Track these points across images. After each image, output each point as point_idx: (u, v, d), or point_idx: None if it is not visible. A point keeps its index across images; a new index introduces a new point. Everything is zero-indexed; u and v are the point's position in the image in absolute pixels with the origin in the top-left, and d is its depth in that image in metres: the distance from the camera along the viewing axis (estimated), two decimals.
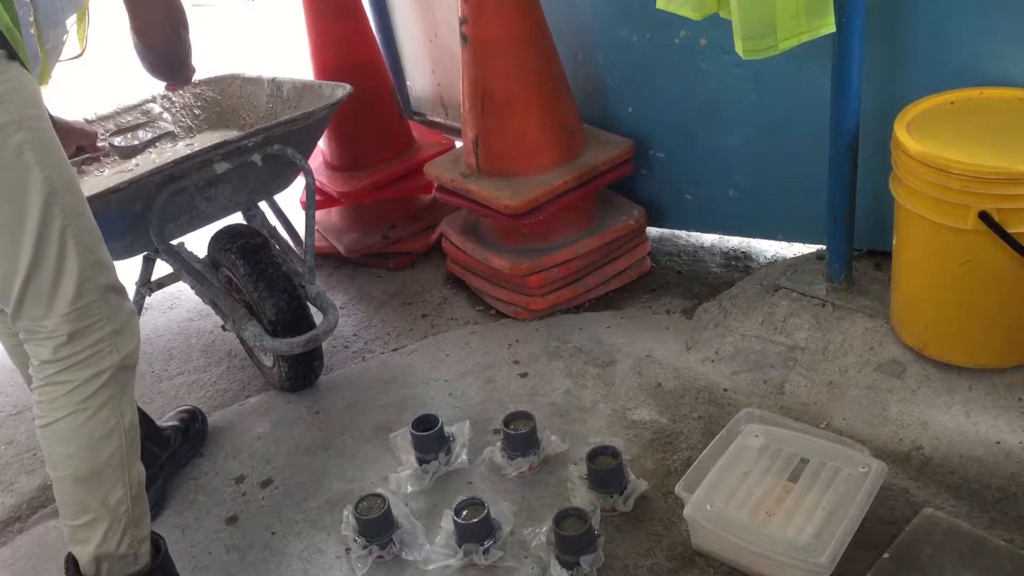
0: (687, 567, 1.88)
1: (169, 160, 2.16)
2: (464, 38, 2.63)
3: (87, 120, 2.68)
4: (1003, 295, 2.03)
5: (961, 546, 1.80)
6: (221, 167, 2.23)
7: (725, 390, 2.37)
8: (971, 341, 2.13)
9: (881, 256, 2.55)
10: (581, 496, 2.05)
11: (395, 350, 2.78)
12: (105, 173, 2.95)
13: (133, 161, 2.79)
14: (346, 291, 3.17)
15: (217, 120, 2.85)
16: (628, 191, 2.96)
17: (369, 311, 3.03)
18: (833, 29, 2.08)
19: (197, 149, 2.21)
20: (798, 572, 1.74)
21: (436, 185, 2.93)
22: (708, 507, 1.83)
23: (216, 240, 2.48)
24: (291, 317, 2.38)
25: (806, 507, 1.82)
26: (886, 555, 1.81)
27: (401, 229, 3.21)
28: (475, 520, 1.93)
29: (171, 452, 2.31)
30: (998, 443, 2.03)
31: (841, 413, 2.21)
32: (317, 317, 2.42)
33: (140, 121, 2.70)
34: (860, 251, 2.56)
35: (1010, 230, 1.90)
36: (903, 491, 1.97)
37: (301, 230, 2.53)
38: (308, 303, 2.43)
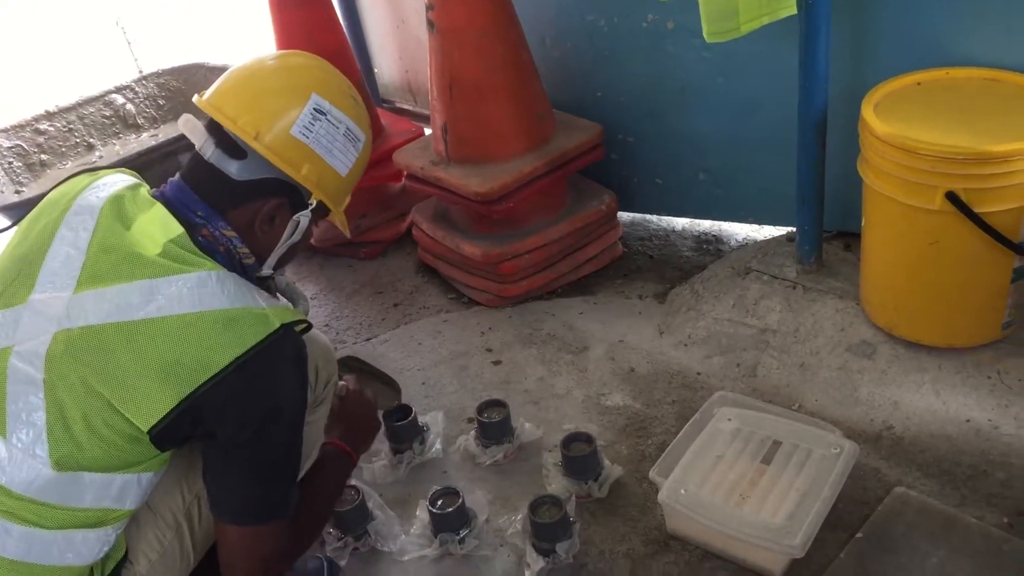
0: (662, 551, 1.89)
1: (133, 152, 2.13)
2: (431, 24, 2.60)
3: (48, 112, 2.63)
4: (971, 275, 2.05)
5: (933, 524, 1.82)
6: (185, 159, 2.19)
7: (698, 374, 2.37)
8: (940, 321, 2.14)
9: (851, 237, 2.57)
10: (556, 483, 2.04)
11: (367, 340, 2.76)
12: (68, 166, 2.91)
13: (96, 153, 2.75)
14: (316, 281, 3.15)
15: (182, 110, 2.81)
16: (599, 176, 2.95)
17: (340, 301, 3.01)
18: (794, 11, 2.08)
19: (161, 140, 2.18)
20: (772, 554, 1.75)
21: (405, 173, 2.91)
22: (682, 491, 1.83)
23: None
24: None
25: (779, 489, 1.83)
26: (859, 535, 1.82)
27: (371, 218, 3.18)
28: (450, 509, 1.93)
29: None
30: (968, 421, 2.05)
31: (813, 395, 2.22)
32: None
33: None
34: (830, 233, 2.57)
35: (977, 210, 1.92)
36: (875, 471, 1.98)
37: None
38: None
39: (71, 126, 2.92)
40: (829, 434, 1.92)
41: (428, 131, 3.02)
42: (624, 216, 3.09)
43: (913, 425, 2.08)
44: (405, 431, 2.19)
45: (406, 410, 2.21)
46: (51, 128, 2.97)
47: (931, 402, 2.11)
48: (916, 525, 1.83)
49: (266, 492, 1.48)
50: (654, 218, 3.14)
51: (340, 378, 1.91)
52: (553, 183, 2.73)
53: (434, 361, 2.59)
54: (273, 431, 1.44)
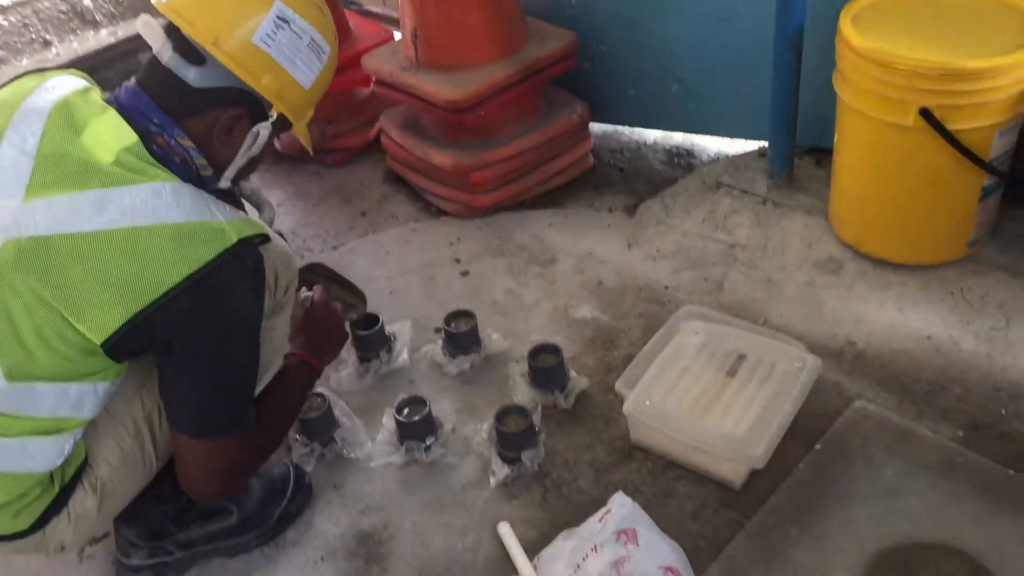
0: (626, 461, 1.92)
1: (91, 49, 2.05)
2: None
3: (1, 6, 2.52)
4: (940, 192, 2.05)
5: (889, 437, 1.86)
6: (145, 57, 2.12)
7: (666, 288, 2.38)
8: (907, 238, 2.16)
9: (822, 153, 2.56)
10: (522, 393, 2.06)
11: (334, 248, 2.73)
12: (24, 63, 2.81)
13: (53, 50, 2.66)
14: (283, 188, 3.09)
15: (141, 7, 2.71)
16: (571, 86, 2.90)
17: (307, 209, 2.97)
18: None
19: (120, 39, 2.10)
20: (734, 464, 1.79)
21: (374, 78, 2.84)
22: (647, 403, 1.85)
23: None
24: None
25: (743, 402, 1.85)
26: (818, 446, 1.86)
27: (339, 124, 3.11)
28: (416, 418, 1.94)
29: None
30: (929, 338, 2.08)
31: (778, 310, 2.24)
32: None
33: None
34: (802, 148, 2.56)
35: (950, 127, 1.91)
36: (836, 385, 2.01)
37: None
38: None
39: (26, 20, 2.79)
40: (793, 349, 1.94)
41: (398, 35, 2.94)
42: (596, 128, 3.05)
43: (876, 341, 2.11)
44: (372, 340, 2.18)
45: (373, 319, 2.20)
46: (5, 23, 2.85)
47: (894, 318, 2.13)
48: (873, 437, 1.87)
49: (222, 405, 1.47)
50: (626, 130, 3.11)
51: (306, 286, 1.88)
52: (525, 92, 2.68)
53: (402, 271, 2.58)
54: (228, 345, 1.42)
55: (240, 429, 1.49)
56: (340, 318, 1.89)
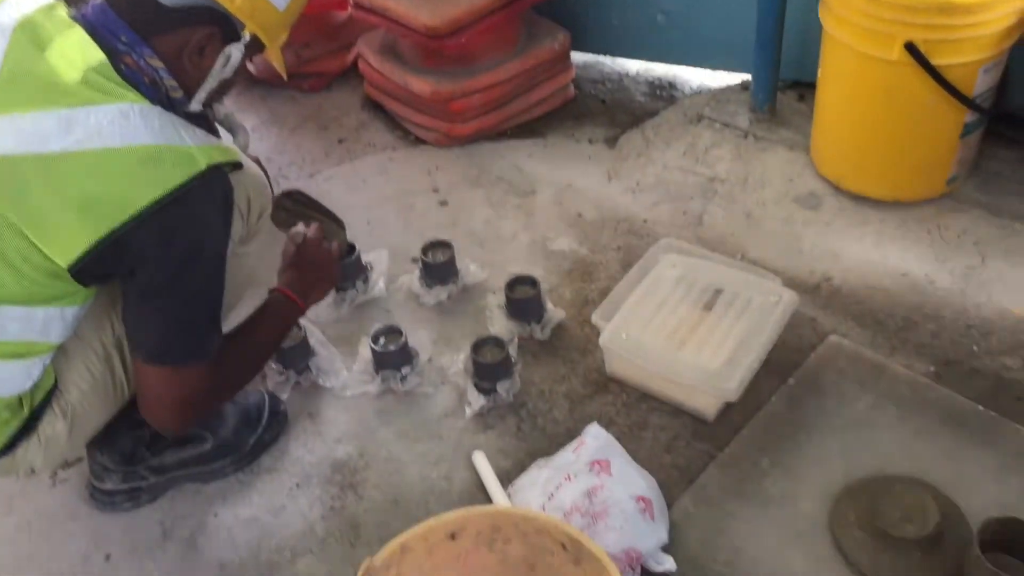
0: (601, 392, 1.93)
1: None
2: None
3: None
4: (922, 128, 2.04)
5: (862, 372, 1.88)
6: None
7: (645, 221, 2.37)
8: (887, 174, 2.15)
9: (805, 87, 2.53)
10: (499, 324, 2.06)
11: (311, 176, 2.69)
12: None
13: None
14: (257, 113, 3.03)
15: None
16: (553, 14, 2.84)
17: (282, 135, 2.92)
18: None
19: None
20: (708, 397, 1.80)
21: (352, 1, 2.77)
22: (623, 335, 1.85)
23: None
24: None
25: (718, 336, 1.86)
26: (791, 380, 1.88)
27: (315, 48, 3.04)
28: (392, 348, 1.93)
29: None
30: (905, 275, 2.09)
31: (757, 244, 2.24)
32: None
33: None
34: (785, 82, 2.54)
35: (934, 62, 1.89)
36: (811, 320, 2.02)
37: None
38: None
39: None
40: (770, 283, 1.94)
41: None
42: (577, 58, 3.00)
43: (852, 276, 2.11)
44: (348, 269, 2.16)
45: (350, 248, 2.17)
46: None
47: (871, 255, 2.14)
48: (846, 372, 1.88)
49: (183, 332, 1.44)
50: (608, 60, 3.06)
51: (291, 216, 1.83)
52: (507, 19, 2.62)
53: (379, 199, 2.55)
54: (192, 273, 1.40)
55: (201, 358, 1.47)
56: (334, 257, 1.84)
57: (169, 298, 1.40)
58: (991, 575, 1.42)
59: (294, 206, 1.83)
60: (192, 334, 1.45)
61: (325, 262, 1.81)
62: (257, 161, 1.93)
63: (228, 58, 1.46)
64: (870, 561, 1.53)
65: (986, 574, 1.42)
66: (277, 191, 1.89)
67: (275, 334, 1.70)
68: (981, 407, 1.77)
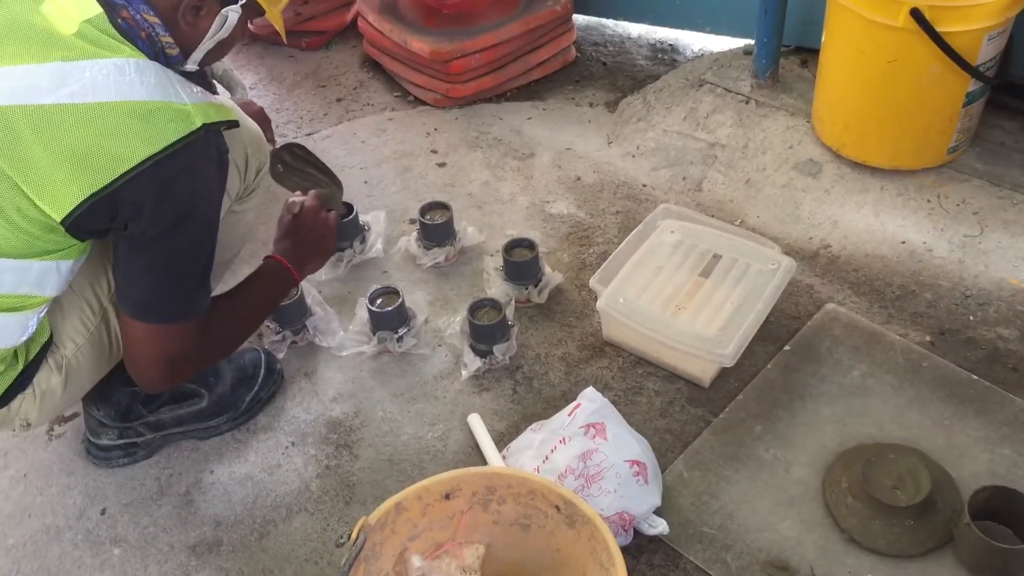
0: (597, 356, 1.93)
1: None
2: None
3: None
4: (924, 96, 2.02)
5: (858, 340, 1.88)
6: None
7: (644, 185, 2.36)
8: (888, 142, 2.14)
9: (808, 53, 2.51)
10: (496, 287, 2.05)
11: (308, 135, 2.67)
12: None
13: None
14: (256, 71, 3.01)
15: None
16: None
17: (280, 93, 2.89)
18: None
19: None
20: (703, 362, 1.80)
21: None
22: (621, 300, 1.85)
23: None
24: None
25: (715, 302, 1.86)
26: (787, 347, 1.88)
27: (314, 5, 3.01)
28: (389, 308, 1.93)
29: None
30: (903, 243, 2.08)
31: (756, 211, 2.23)
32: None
33: None
34: (788, 48, 2.51)
35: (940, 29, 1.87)
36: (808, 287, 2.02)
37: None
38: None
39: None
40: (768, 250, 1.94)
41: None
42: (579, 20, 2.97)
43: (850, 244, 2.11)
44: (346, 229, 2.15)
45: (347, 208, 2.16)
46: None
47: (870, 223, 2.13)
48: (842, 340, 1.89)
49: (172, 290, 1.44)
50: (610, 23, 3.03)
51: (289, 171, 1.82)
52: None
53: (377, 160, 2.53)
54: (183, 231, 1.39)
55: (187, 317, 1.46)
56: (331, 228, 1.81)
57: (159, 254, 1.39)
58: (981, 543, 1.43)
59: (292, 160, 1.81)
60: (180, 292, 1.45)
61: (323, 233, 1.78)
62: (261, 111, 1.91)
63: (225, 19, 1.44)
64: (861, 527, 1.54)
65: (976, 541, 1.44)
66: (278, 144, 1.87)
67: (267, 301, 1.69)
68: (976, 376, 1.78)
